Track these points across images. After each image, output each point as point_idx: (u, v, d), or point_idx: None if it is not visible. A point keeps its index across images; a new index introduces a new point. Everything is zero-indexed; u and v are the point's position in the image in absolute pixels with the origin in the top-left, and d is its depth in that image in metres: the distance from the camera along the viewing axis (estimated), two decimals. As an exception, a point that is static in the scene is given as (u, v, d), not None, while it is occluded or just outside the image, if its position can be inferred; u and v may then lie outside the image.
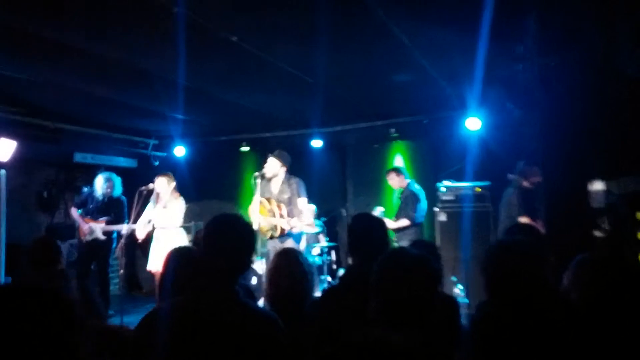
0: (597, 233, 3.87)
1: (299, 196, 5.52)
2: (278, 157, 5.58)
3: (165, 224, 5.86)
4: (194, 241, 3.07)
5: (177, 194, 5.98)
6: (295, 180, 5.57)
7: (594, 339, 1.82)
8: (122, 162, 8.34)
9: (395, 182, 6.54)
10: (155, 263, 5.70)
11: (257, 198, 5.53)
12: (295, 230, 5.43)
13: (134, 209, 5.76)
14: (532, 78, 3.77)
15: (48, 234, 7.69)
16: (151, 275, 6.01)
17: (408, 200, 6.36)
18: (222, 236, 1.87)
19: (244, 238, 1.90)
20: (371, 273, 1.85)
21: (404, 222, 6.24)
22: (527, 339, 1.78)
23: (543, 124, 3.69)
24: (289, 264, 2.61)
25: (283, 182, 5.56)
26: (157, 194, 5.96)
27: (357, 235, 2.59)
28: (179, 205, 5.94)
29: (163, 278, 2.35)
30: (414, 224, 6.28)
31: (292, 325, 2.42)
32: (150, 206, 5.99)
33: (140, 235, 5.99)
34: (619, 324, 1.89)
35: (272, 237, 5.51)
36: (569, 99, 3.52)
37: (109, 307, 6.39)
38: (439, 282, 1.85)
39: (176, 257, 2.38)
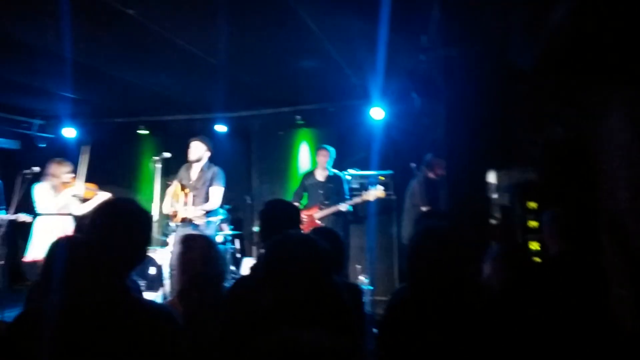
0: (493, 222, 4.04)
1: (214, 185, 5.39)
2: (203, 141, 5.45)
3: (73, 212, 5.41)
4: (77, 228, 2.77)
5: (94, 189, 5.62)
6: (214, 169, 5.45)
7: (507, 323, 1.86)
8: (3, 143, 7.56)
9: (322, 160, 6.26)
10: (40, 252, 5.22)
11: (174, 184, 5.46)
12: (196, 221, 5.25)
13: (16, 194, 5.22)
14: (435, 69, 3.83)
15: None
16: (33, 265, 5.51)
17: (342, 183, 6.23)
18: (114, 224, 1.66)
19: (139, 226, 1.71)
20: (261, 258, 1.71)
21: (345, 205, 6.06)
22: (445, 324, 1.77)
23: (446, 115, 3.76)
24: (202, 249, 2.45)
25: (202, 169, 5.43)
26: (61, 182, 5.43)
27: (269, 222, 2.47)
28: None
29: (45, 272, 2.07)
30: None
31: (208, 312, 2.28)
32: (49, 193, 5.41)
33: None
34: (527, 308, 1.95)
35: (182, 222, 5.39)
36: (469, 91, 3.61)
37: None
38: (332, 266, 1.74)
39: (63, 247, 2.10)
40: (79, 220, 2.89)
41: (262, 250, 2.53)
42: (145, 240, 1.75)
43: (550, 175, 4.04)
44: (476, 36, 3.49)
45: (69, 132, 7.61)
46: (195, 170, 5.48)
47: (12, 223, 5.45)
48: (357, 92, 6.51)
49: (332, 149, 6.30)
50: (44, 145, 7.77)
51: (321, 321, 1.53)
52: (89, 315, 1.57)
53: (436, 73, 3.87)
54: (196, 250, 2.50)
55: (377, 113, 6.51)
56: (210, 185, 5.39)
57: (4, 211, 5.53)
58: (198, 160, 5.43)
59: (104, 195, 5.51)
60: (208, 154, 5.46)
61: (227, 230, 6.85)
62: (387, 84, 5.93)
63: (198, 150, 5.41)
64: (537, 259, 3.74)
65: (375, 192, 5.90)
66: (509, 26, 3.39)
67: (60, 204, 5.42)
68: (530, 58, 3.37)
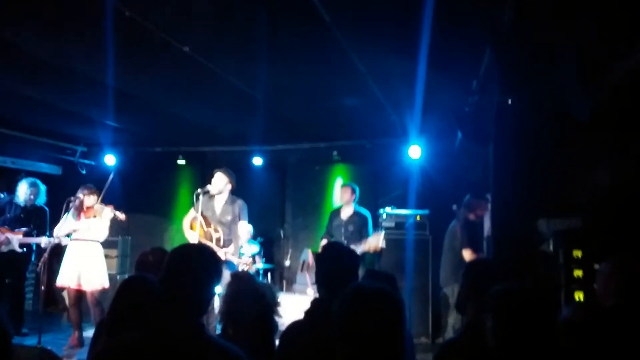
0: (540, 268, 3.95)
1: (241, 219, 5.24)
2: (225, 173, 5.25)
3: (93, 237, 5.43)
4: (137, 266, 2.77)
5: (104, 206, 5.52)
6: (239, 202, 5.27)
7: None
8: (45, 168, 7.72)
9: (346, 198, 6.08)
10: (68, 278, 5.30)
11: (191, 213, 5.24)
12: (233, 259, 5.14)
13: (60, 220, 5.29)
14: (487, 112, 3.82)
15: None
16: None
17: (366, 222, 6.06)
18: (191, 266, 1.75)
19: (212, 268, 1.81)
20: (332, 314, 1.72)
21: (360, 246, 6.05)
22: None
23: (494, 160, 3.73)
24: (250, 289, 2.44)
25: (227, 202, 5.25)
26: (85, 207, 5.47)
27: (325, 266, 2.44)
28: (107, 219, 5.53)
29: (118, 310, 2.09)
30: None
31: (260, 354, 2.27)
32: (69, 218, 5.37)
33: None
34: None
35: None
36: (522, 137, 3.58)
37: (22, 325, 5.82)
38: (403, 315, 1.75)
39: (132, 287, 2.12)
40: (140, 257, 2.88)
41: (317, 296, 2.49)
42: (217, 280, 1.83)
43: (597, 223, 3.95)
44: (531, 84, 3.48)
45: (110, 160, 7.78)
46: (218, 203, 5.26)
47: (52, 249, 5.49)
48: (395, 130, 6.53)
49: (356, 187, 6.12)
50: (85, 172, 7.94)
51: None
52: (168, 353, 1.63)
53: (487, 117, 3.86)
54: (245, 290, 2.49)
55: (414, 151, 6.50)
56: (239, 219, 5.23)
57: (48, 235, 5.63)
58: (219, 193, 5.24)
59: (108, 213, 5.44)
60: (229, 186, 5.25)
61: (260, 263, 6.84)
62: (427, 123, 5.93)
63: (221, 182, 5.20)
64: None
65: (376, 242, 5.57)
66: (563, 76, 3.37)
67: (80, 229, 5.40)
68: (586, 109, 3.34)
